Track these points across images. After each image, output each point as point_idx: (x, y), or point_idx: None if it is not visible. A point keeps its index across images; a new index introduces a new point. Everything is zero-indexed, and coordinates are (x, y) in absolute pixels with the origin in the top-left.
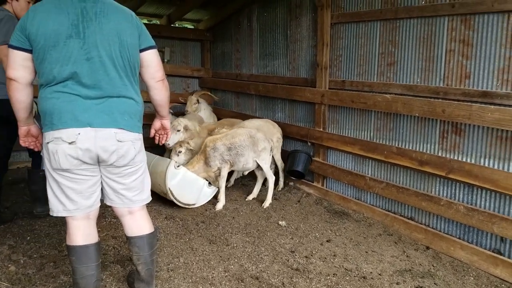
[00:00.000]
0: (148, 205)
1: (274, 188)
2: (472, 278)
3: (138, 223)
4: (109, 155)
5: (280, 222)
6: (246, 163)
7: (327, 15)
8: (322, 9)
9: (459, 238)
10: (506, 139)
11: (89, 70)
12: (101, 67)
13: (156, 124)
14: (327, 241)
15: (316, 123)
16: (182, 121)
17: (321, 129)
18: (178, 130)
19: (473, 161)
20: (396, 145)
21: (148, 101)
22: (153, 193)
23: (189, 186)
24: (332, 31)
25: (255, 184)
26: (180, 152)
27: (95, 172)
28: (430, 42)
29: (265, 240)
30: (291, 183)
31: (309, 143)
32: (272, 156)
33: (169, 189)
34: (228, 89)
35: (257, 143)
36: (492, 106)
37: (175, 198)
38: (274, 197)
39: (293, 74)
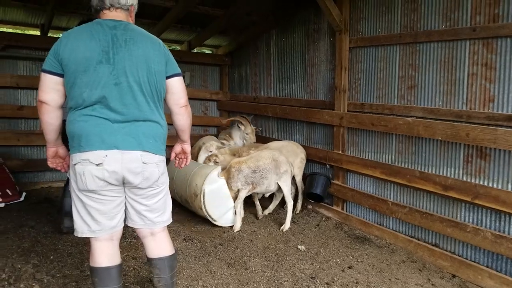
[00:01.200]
0: (167, 226)
1: (293, 211)
2: None
3: (159, 244)
4: (134, 176)
5: (299, 247)
6: (269, 186)
7: (346, 40)
8: (340, 34)
9: (487, 267)
10: None
11: (118, 94)
12: (129, 92)
13: (177, 148)
14: (348, 267)
15: (335, 146)
16: (214, 143)
17: (340, 152)
18: (210, 151)
19: (500, 187)
20: (419, 169)
21: (170, 123)
22: (172, 213)
23: (220, 199)
24: (351, 55)
25: (272, 201)
26: (216, 161)
27: (120, 193)
28: (452, 66)
29: (284, 265)
30: (310, 206)
31: (327, 166)
32: (293, 178)
33: (204, 190)
34: (246, 111)
35: (279, 166)
36: None
37: (204, 202)
38: (293, 221)
39: (311, 96)
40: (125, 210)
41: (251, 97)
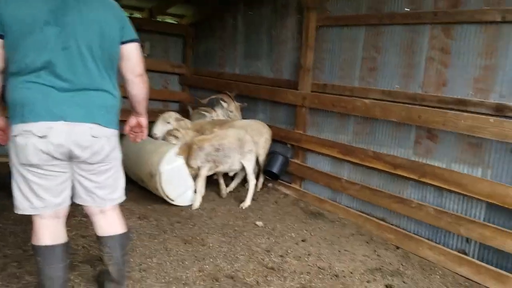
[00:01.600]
0: (120, 204)
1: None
2: (438, 277)
3: (109, 222)
4: (82, 151)
5: (257, 222)
6: (232, 165)
7: (313, 18)
8: (308, 11)
9: (428, 239)
10: (476, 145)
11: (66, 60)
12: (79, 57)
13: (132, 121)
14: (302, 240)
15: (296, 125)
16: (173, 114)
17: (301, 132)
18: (168, 122)
19: (444, 166)
20: (372, 149)
21: (125, 96)
22: (126, 191)
23: (178, 179)
24: (317, 33)
25: (234, 179)
26: (176, 135)
27: (66, 169)
28: (411, 50)
29: (241, 240)
30: (270, 184)
31: (288, 145)
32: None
33: (160, 171)
34: (209, 87)
35: (244, 145)
36: (466, 114)
37: (161, 183)
38: (253, 198)
39: (277, 75)
40: (72, 187)
41: (215, 73)
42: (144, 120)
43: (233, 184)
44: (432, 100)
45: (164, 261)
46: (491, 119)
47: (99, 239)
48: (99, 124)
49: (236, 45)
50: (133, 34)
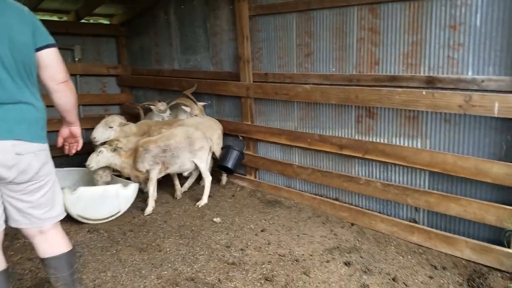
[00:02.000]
0: (67, 218)
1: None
2: (393, 247)
3: (51, 243)
4: (7, 171)
5: (214, 219)
6: (183, 165)
7: (245, 7)
8: (238, 1)
9: (379, 212)
10: (413, 118)
11: None
12: None
13: (64, 131)
14: (261, 231)
15: (244, 117)
16: (117, 118)
17: (249, 123)
18: (111, 127)
19: (385, 141)
20: (318, 133)
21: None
22: None
23: (101, 200)
24: (251, 23)
25: (188, 179)
26: (101, 152)
27: None
28: (342, 32)
29: (200, 240)
30: (225, 179)
31: (240, 137)
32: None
33: (78, 216)
34: (150, 86)
35: (194, 143)
36: (399, 89)
37: (92, 220)
38: (209, 195)
39: (217, 68)
40: (4, 210)
41: (154, 71)
42: (76, 129)
43: (187, 184)
44: (367, 80)
45: (120, 273)
46: (423, 91)
47: (42, 262)
48: (22, 140)
49: (171, 40)
50: (48, 38)
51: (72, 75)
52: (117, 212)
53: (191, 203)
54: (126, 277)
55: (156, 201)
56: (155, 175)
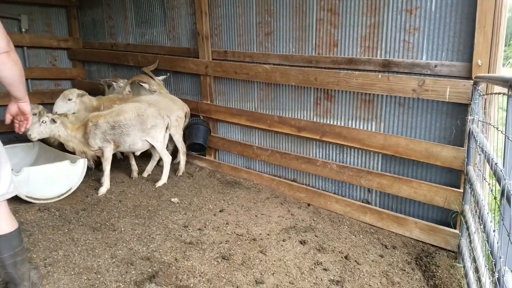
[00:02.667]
0: (15, 197)
1: (171, 169)
2: (346, 227)
3: None
4: None
5: (172, 199)
6: (133, 144)
7: None
8: None
9: (334, 193)
10: (368, 101)
11: None
12: None
13: (12, 108)
14: (220, 211)
15: (203, 96)
16: (74, 90)
17: (209, 102)
18: (70, 99)
19: (342, 124)
20: (278, 114)
21: None
22: None
23: (49, 178)
24: None
25: (149, 161)
26: (44, 122)
27: None
28: (302, 12)
29: (156, 220)
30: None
31: (201, 117)
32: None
33: (27, 197)
34: (103, 60)
35: (145, 121)
36: (357, 72)
37: (43, 199)
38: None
39: (174, 43)
40: None
41: (108, 44)
42: (25, 106)
43: (149, 167)
44: (326, 61)
45: (72, 252)
46: (379, 75)
47: None
48: None
49: (126, 12)
50: None
51: (19, 46)
52: (69, 190)
53: (148, 183)
54: (79, 256)
55: (111, 181)
56: (109, 154)
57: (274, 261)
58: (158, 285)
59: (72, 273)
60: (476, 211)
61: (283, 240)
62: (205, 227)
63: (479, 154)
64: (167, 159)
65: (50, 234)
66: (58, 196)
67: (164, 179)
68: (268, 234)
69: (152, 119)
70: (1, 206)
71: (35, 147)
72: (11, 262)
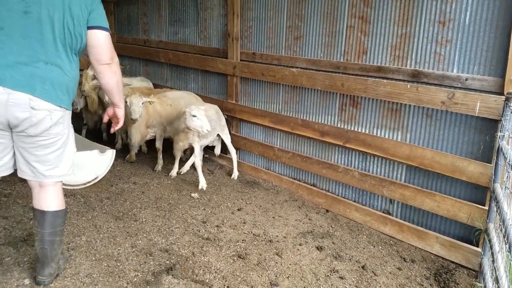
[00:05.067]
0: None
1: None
2: (365, 236)
3: (44, 197)
4: (20, 121)
5: (192, 195)
6: (212, 137)
7: None
8: None
9: (354, 201)
10: (395, 110)
11: (23, 23)
12: (37, 24)
13: (109, 110)
14: (238, 209)
15: (229, 95)
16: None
17: (234, 102)
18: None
19: (367, 131)
20: (301, 117)
21: None
22: None
23: (78, 166)
24: (242, 1)
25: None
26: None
27: (4, 139)
28: (333, 17)
29: (176, 213)
30: (206, 156)
31: (225, 116)
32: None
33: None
34: (135, 56)
35: (221, 118)
36: (385, 80)
37: (70, 185)
38: (188, 171)
39: (205, 43)
40: (15, 157)
41: (141, 40)
42: (119, 111)
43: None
44: (354, 68)
45: (94, 238)
46: (408, 85)
47: (33, 211)
48: (40, 98)
49: (161, 11)
50: (102, 22)
51: None
52: (95, 178)
53: (170, 176)
54: (101, 243)
55: (135, 173)
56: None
57: (290, 264)
58: (175, 278)
59: (93, 259)
60: (501, 230)
61: (300, 244)
62: (222, 224)
63: (508, 172)
64: (234, 151)
65: (74, 219)
66: (85, 184)
67: (187, 166)
68: (284, 237)
69: (223, 117)
70: (57, 185)
71: None
72: (50, 240)
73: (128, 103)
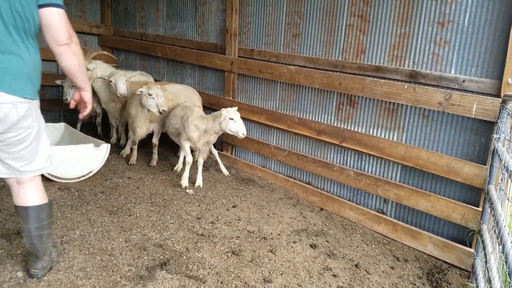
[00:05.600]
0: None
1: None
2: (359, 235)
3: (24, 193)
4: None
5: (187, 191)
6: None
7: None
8: None
9: (349, 200)
10: (392, 110)
11: None
12: None
13: (75, 95)
14: (233, 206)
15: (226, 92)
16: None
17: (231, 98)
18: (150, 94)
19: (363, 131)
20: (298, 115)
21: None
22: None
23: (72, 159)
24: None
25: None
26: (150, 95)
27: None
28: (332, 16)
29: (171, 209)
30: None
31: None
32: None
33: (49, 175)
34: (132, 49)
35: None
36: (382, 80)
37: (64, 179)
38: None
39: (203, 38)
40: None
41: (138, 34)
42: (86, 95)
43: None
44: (352, 67)
45: (88, 232)
46: (406, 85)
47: (15, 209)
48: (3, 92)
49: (158, 5)
50: None
51: None
52: (89, 172)
53: (165, 172)
54: (94, 237)
55: (130, 167)
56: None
57: (283, 261)
58: (169, 273)
59: (87, 252)
60: (494, 231)
61: (294, 242)
62: (217, 220)
63: (503, 174)
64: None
65: (68, 213)
66: (79, 178)
67: (180, 163)
68: (279, 234)
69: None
70: (36, 179)
71: (60, 128)
72: (37, 234)
73: (153, 96)
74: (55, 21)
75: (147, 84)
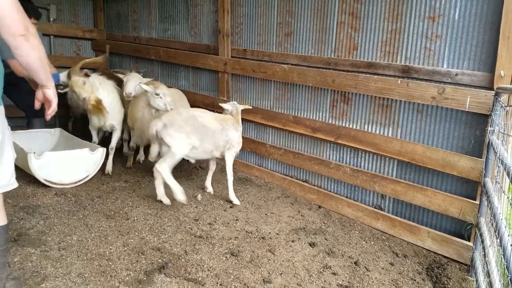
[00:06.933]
0: (34, 180)
1: None
2: (357, 232)
3: None
4: None
5: (197, 197)
6: None
7: None
8: None
9: (346, 197)
10: (386, 106)
11: None
12: None
13: (38, 94)
14: (230, 207)
15: (220, 92)
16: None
17: (225, 98)
18: (157, 94)
19: (358, 127)
20: (293, 114)
21: None
22: None
23: (68, 164)
24: None
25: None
26: (157, 94)
27: None
28: (323, 14)
29: (168, 211)
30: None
31: (215, 112)
32: None
33: (45, 180)
34: (126, 52)
35: None
36: (376, 76)
37: (60, 184)
38: (180, 169)
39: (196, 40)
40: None
41: (131, 37)
42: (49, 92)
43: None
44: (345, 64)
45: (85, 238)
46: (399, 80)
47: None
48: None
49: (151, 8)
50: None
51: (46, 35)
52: (85, 177)
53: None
54: (92, 242)
55: (126, 171)
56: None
57: (283, 261)
58: (167, 276)
59: (85, 258)
60: (492, 224)
61: (292, 241)
62: (215, 221)
63: (498, 166)
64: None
65: (65, 218)
66: (75, 182)
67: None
68: (277, 234)
69: None
70: None
71: (55, 134)
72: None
73: (161, 95)
74: (5, 10)
75: (153, 83)
